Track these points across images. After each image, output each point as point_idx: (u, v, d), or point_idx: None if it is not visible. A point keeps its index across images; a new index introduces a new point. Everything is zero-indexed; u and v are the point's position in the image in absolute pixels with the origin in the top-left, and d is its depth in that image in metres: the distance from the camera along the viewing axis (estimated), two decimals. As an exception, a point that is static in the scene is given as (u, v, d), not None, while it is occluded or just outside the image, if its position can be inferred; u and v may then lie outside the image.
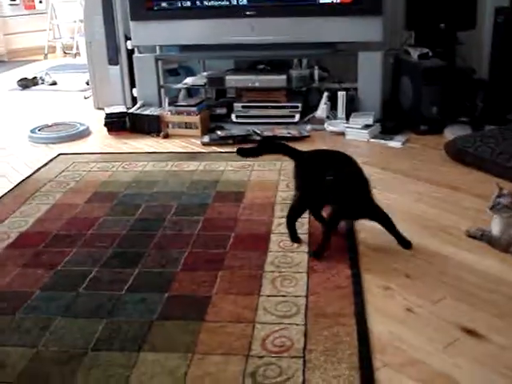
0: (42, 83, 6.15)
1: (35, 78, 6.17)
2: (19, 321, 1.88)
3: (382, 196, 2.71)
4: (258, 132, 3.67)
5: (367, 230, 2.38)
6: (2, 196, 2.97)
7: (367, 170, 3.02)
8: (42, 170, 3.34)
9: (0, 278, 2.15)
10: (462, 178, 2.92)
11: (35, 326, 1.84)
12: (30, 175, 3.26)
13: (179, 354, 1.66)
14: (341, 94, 3.79)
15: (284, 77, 3.93)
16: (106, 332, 1.79)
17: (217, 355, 1.65)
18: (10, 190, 3.05)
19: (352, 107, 3.83)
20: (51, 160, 3.51)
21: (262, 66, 4.19)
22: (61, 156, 3.58)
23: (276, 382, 1.54)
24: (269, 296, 1.93)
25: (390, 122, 3.74)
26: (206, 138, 3.67)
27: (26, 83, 6.03)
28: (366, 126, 3.61)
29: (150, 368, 1.62)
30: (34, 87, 6.05)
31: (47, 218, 2.66)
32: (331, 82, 4.04)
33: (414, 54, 3.72)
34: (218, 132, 3.72)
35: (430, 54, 3.73)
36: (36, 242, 2.42)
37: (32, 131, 4.04)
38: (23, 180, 3.19)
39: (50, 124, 4.20)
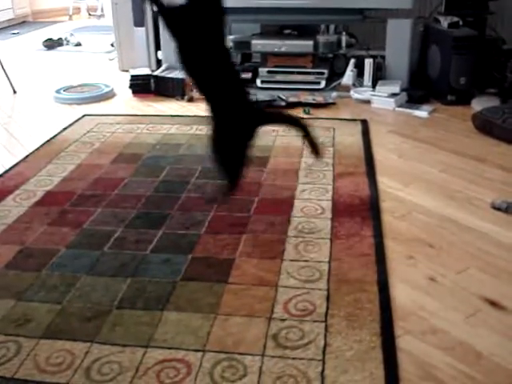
0: (67, 44, 6.15)
1: (60, 38, 6.17)
2: (45, 277, 1.91)
3: (406, 165, 2.70)
4: (284, 98, 3.65)
5: (392, 198, 2.37)
6: (28, 155, 2.99)
7: (392, 139, 3.04)
8: (68, 130, 3.36)
9: (26, 235, 2.18)
10: (488, 150, 2.89)
11: (61, 282, 1.87)
12: (56, 135, 3.28)
13: (202, 315, 1.68)
14: (368, 62, 3.74)
15: (311, 42, 3.88)
16: (131, 291, 1.81)
17: (240, 317, 1.67)
18: (36, 149, 3.07)
19: (379, 75, 3.79)
20: (76, 121, 3.52)
21: (288, 31, 4.14)
22: (86, 117, 3.59)
23: (298, 344, 1.55)
24: (292, 260, 1.94)
25: (417, 91, 3.69)
26: (231, 103, 3.65)
27: (52, 44, 6.04)
28: (393, 95, 3.57)
29: (174, 327, 1.64)
30: (59, 48, 6.06)
31: (73, 177, 2.68)
32: (358, 49, 4.00)
33: (444, 22, 3.65)
34: (243, 97, 3.69)
35: (461, 22, 3.66)
36: (62, 200, 2.45)
37: (57, 91, 4.06)
38: (49, 140, 3.21)
39: (74, 85, 4.21)
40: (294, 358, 1.50)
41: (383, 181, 2.54)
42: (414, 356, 1.52)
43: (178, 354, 1.54)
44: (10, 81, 4.27)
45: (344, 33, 4.01)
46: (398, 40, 3.74)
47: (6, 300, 1.79)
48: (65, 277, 1.90)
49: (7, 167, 2.84)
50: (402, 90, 3.66)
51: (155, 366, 1.50)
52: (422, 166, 2.71)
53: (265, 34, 4.27)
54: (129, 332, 1.63)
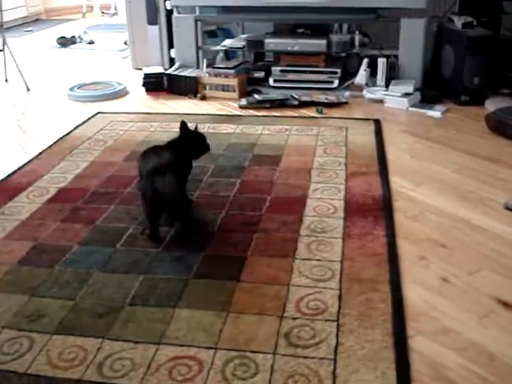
0: (80, 42, 6.18)
1: (73, 36, 6.20)
2: (58, 273, 1.92)
3: (419, 165, 2.69)
4: (296, 97, 3.65)
5: (404, 198, 2.37)
6: (42, 152, 3.01)
7: (404, 139, 3.03)
8: (81, 127, 3.38)
9: (40, 231, 2.19)
10: (501, 151, 2.87)
11: (73, 279, 1.88)
12: (69, 132, 3.29)
13: (214, 312, 1.69)
14: (381, 61, 3.73)
15: (324, 41, 3.87)
16: (143, 288, 1.82)
17: (251, 315, 1.67)
18: (49, 146, 3.09)
19: (392, 74, 3.78)
20: (89, 118, 3.54)
21: (301, 30, 4.14)
22: (99, 114, 3.60)
23: (310, 343, 1.55)
24: (304, 259, 1.94)
25: (431, 91, 3.68)
26: (244, 101, 3.66)
27: (65, 41, 6.08)
28: (406, 94, 3.56)
29: (186, 324, 1.64)
30: (72, 46, 6.09)
31: (86, 174, 2.70)
32: (372, 49, 3.99)
33: (458, 22, 3.64)
34: (256, 95, 3.70)
35: (475, 22, 3.64)
36: (75, 197, 2.46)
37: (71, 89, 4.08)
38: (62, 137, 3.22)
39: (88, 82, 4.23)
40: (305, 357, 1.50)
41: (396, 180, 2.53)
42: (426, 356, 1.52)
43: (189, 352, 1.54)
44: (23, 78, 4.30)
45: (357, 32, 4.00)
46: (412, 39, 3.72)
47: (19, 296, 1.80)
48: (78, 273, 1.91)
49: (20, 164, 2.86)
50: (416, 89, 3.65)
51: (167, 362, 1.51)
52: (435, 166, 2.70)
53: (278, 32, 4.27)
54: (141, 329, 1.64)
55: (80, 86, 4.14)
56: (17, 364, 1.52)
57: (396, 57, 3.81)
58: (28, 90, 4.29)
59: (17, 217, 2.31)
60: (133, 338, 1.59)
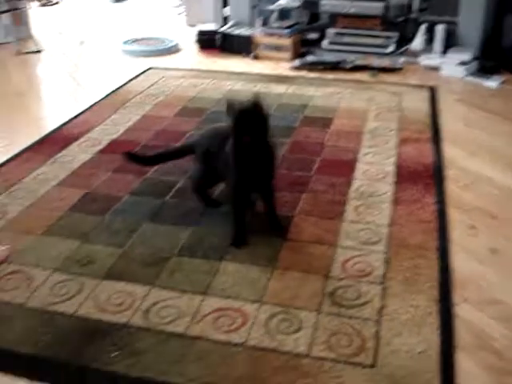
0: (135, -3, 6.18)
1: (129, -10, 6.20)
2: (108, 222, 1.96)
3: (473, 135, 2.64)
4: (350, 60, 3.59)
5: (456, 167, 2.33)
6: (94, 104, 3.04)
7: (459, 108, 2.96)
8: (133, 81, 3.40)
9: (91, 180, 2.23)
10: (559, 125, 2.79)
11: (123, 228, 1.92)
12: (122, 86, 3.32)
13: (260, 267, 1.71)
14: (439, 28, 3.64)
15: (381, 4, 3.78)
16: (191, 239, 1.85)
17: (297, 272, 1.68)
18: (102, 98, 3.12)
19: (450, 42, 3.68)
20: (142, 73, 3.55)
21: (359, -8, 4.05)
22: (151, 69, 3.62)
23: (354, 304, 1.56)
24: (351, 222, 1.93)
25: (489, 61, 3.57)
26: (297, 62, 3.63)
27: (120, -5, 6.09)
28: (463, 63, 3.47)
29: (232, 277, 1.67)
30: (127, 1, 6.08)
31: (137, 128, 2.72)
32: (430, 14, 3.87)
33: (524, -10, 3.51)
34: (309, 57, 3.66)
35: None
36: (125, 149, 2.47)
37: (124, 43, 4.10)
38: (115, 90, 3.25)
39: (141, 37, 4.24)
40: (350, 317, 1.51)
41: (448, 149, 2.49)
42: (472, 325, 1.50)
43: (234, 304, 1.56)
44: (78, 31, 4.34)
45: (417, -4, 3.89)
46: (472, 6, 3.60)
47: (70, 240, 1.85)
48: (127, 222, 1.95)
49: (73, 115, 2.90)
50: (473, 58, 3.55)
51: (212, 313, 1.53)
52: (489, 136, 2.64)
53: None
54: (187, 279, 1.66)
55: (134, 41, 4.15)
56: (65, 306, 1.57)
57: (455, 24, 3.70)
58: (82, 42, 4.32)
59: (68, 165, 2.36)
60: (179, 288, 1.62)
